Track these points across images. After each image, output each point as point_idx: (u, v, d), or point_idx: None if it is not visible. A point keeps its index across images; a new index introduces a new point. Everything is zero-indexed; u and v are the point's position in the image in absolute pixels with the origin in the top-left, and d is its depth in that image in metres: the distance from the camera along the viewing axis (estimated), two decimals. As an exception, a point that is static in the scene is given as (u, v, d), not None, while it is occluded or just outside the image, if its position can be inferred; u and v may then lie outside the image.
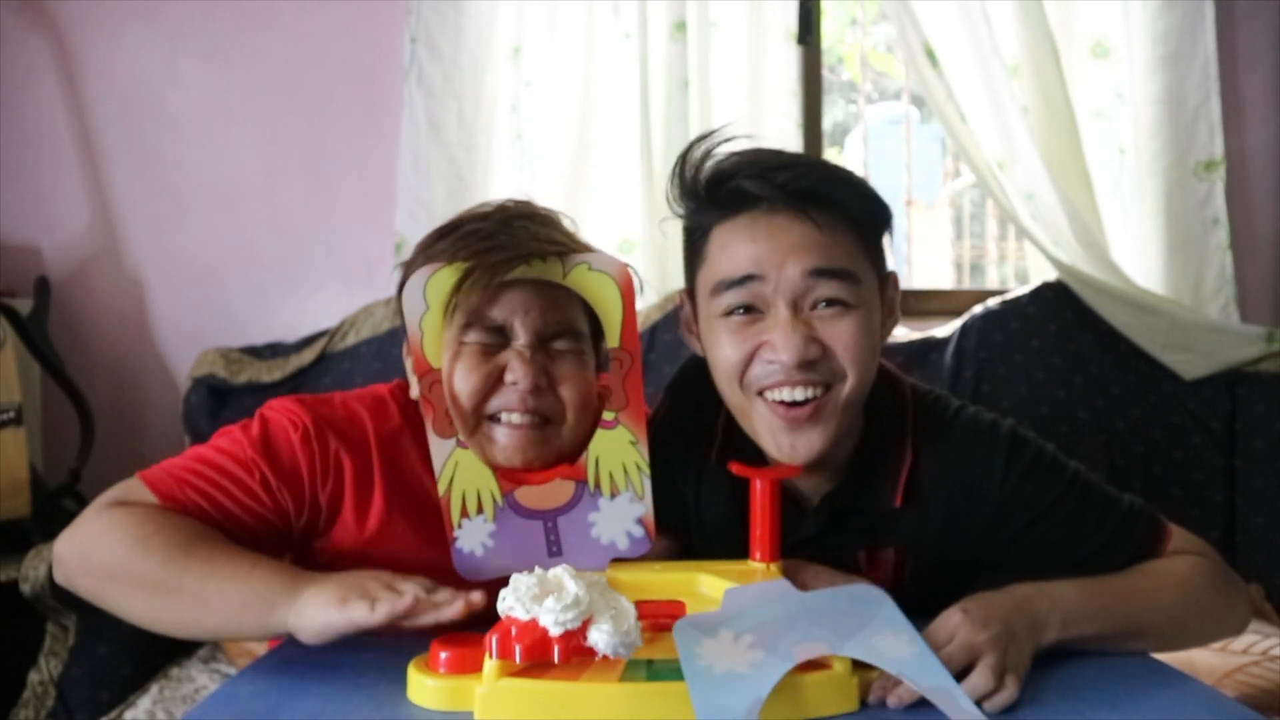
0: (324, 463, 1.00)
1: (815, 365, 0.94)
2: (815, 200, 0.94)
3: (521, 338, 0.97)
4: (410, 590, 0.83)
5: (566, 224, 1.04)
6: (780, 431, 0.96)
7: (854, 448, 1.03)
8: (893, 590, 0.98)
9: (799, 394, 0.94)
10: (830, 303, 0.94)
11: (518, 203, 1.05)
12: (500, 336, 0.97)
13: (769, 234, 0.94)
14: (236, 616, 0.89)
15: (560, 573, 0.78)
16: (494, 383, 0.96)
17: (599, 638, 0.75)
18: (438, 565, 0.95)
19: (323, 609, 0.84)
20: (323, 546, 1.03)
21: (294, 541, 1.02)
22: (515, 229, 0.98)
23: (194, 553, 0.91)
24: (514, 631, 0.74)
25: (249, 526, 0.98)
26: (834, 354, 0.94)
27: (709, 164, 0.98)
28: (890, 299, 1.02)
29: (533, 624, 0.74)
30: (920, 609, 0.92)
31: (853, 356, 0.94)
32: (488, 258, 0.94)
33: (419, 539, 1.03)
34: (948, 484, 1.01)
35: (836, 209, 0.95)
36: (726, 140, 0.99)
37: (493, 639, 0.75)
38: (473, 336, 0.97)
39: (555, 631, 0.74)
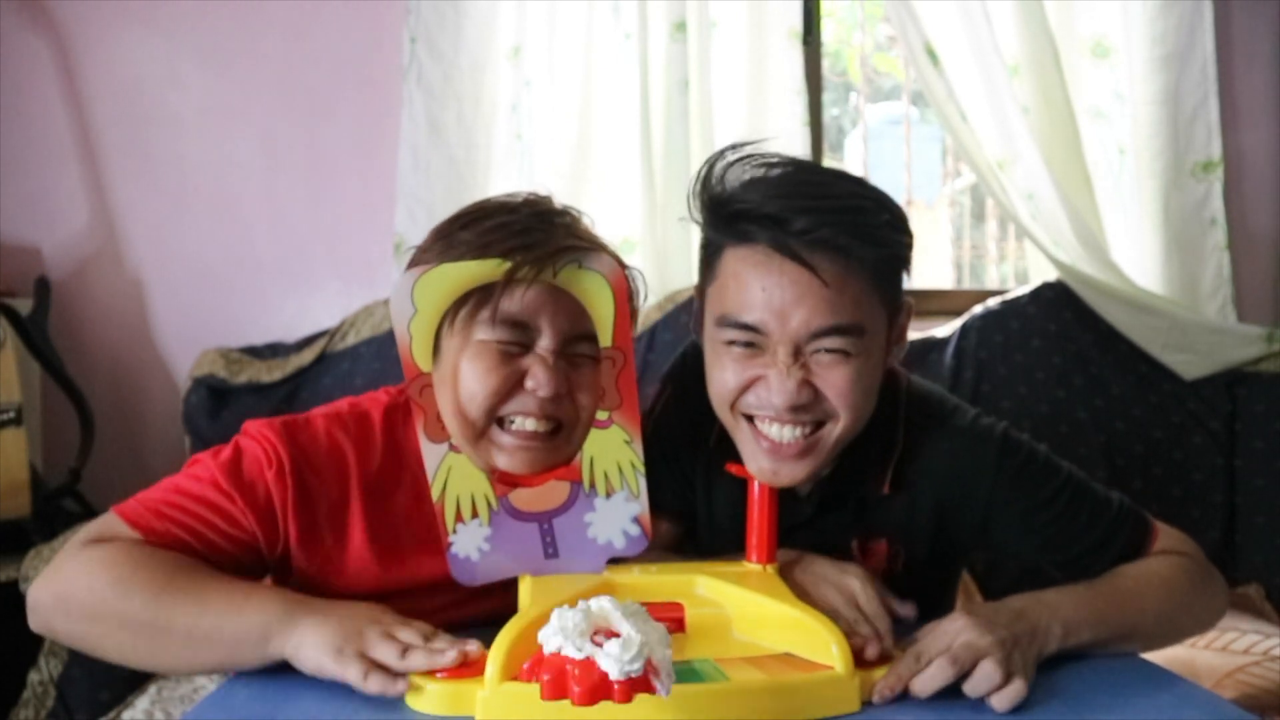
0: (297, 499, 0.95)
1: (808, 407, 0.94)
2: (832, 249, 0.91)
3: (546, 338, 0.93)
4: (408, 645, 0.82)
5: (586, 223, 1.01)
6: (763, 458, 0.96)
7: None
8: (885, 580, 0.99)
9: (787, 433, 0.95)
10: (831, 350, 0.93)
11: (539, 197, 1.01)
12: (523, 334, 0.93)
13: (779, 282, 0.91)
14: (232, 651, 0.87)
15: (607, 607, 0.73)
16: (512, 386, 0.92)
17: (663, 684, 0.71)
18: (437, 579, 0.95)
19: (317, 651, 0.83)
20: (321, 585, 0.98)
21: (272, 567, 0.98)
22: (555, 225, 0.95)
23: (182, 589, 0.87)
24: (572, 671, 0.70)
25: (230, 553, 0.94)
26: (827, 398, 0.94)
27: (731, 185, 0.96)
28: (900, 326, 1.01)
29: (589, 664, 0.70)
30: (912, 598, 0.97)
31: (847, 401, 0.94)
32: (530, 253, 0.90)
33: (422, 555, 1.00)
34: (937, 479, 1.03)
35: (853, 257, 0.92)
36: (751, 157, 0.97)
37: (543, 676, 0.71)
38: (495, 334, 0.92)
39: (618, 677, 0.70)
